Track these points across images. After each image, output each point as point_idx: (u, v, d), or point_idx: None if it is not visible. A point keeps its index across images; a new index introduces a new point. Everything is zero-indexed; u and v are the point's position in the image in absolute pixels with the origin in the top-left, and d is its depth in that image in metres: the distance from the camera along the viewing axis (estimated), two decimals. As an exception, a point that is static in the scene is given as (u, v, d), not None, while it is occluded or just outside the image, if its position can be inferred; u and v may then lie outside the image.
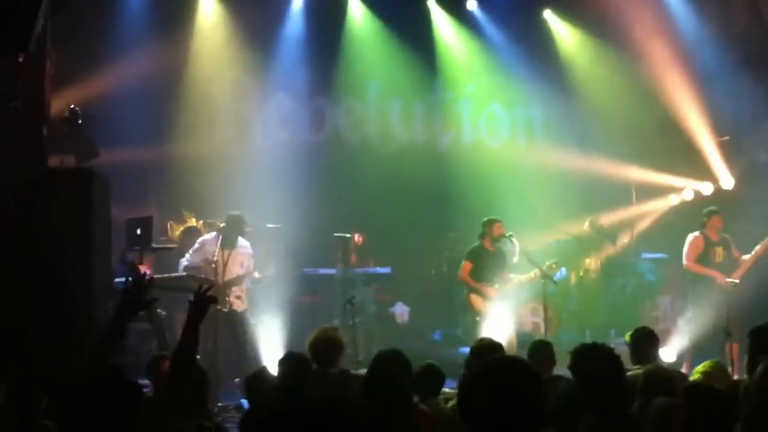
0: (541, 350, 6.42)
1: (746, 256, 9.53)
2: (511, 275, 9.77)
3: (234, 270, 8.97)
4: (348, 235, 10.80)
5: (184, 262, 9.09)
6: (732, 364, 8.08)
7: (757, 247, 9.49)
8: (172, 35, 11.33)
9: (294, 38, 12.34)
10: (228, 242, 8.96)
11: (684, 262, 9.75)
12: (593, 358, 4.29)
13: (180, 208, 10.50)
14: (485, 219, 10.06)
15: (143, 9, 11.05)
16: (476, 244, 9.95)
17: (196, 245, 9.02)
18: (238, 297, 9.07)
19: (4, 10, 6.39)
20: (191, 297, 4.20)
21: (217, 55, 11.76)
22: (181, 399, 4.08)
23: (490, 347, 6.03)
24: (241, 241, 9.10)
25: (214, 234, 9.11)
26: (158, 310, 8.54)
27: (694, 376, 5.48)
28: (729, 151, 12.38)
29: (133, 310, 4.40)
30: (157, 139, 10.96)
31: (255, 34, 11.79)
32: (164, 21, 11.25)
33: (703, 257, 9.59)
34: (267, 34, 12.04)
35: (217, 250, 8.87)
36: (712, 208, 9.93)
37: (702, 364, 5.60)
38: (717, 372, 5.41)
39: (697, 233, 9.70)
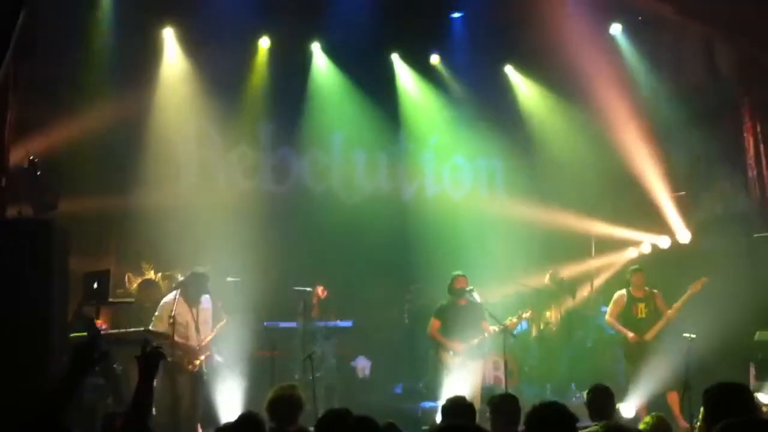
0: (506, 404, 6.36)
1: (669, 311, 9.81)
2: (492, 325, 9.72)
3: (203, 330, 8.89)
4: (309, 289, 10.74)
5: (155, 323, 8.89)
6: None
7: (675, 306, 9.80)
8: (136, 84, 11.31)
9: (258, 89, 12.40)
10: (193, 301, 8.85)
11: (606, 317, 10.21)
12: (548, 418, 4.28)
13: (139, 260, 10.38)
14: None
15: (108, 57, 11.02)
16: (445, 300, 9.95)
17: (158, 312, 8.83)
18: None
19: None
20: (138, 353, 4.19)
21: (181, 105, 11.76)
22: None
23: (461, 406, 6.00)
24: (203, 299, 9.00)
25: (172, 295, 8.92)
26: (114, 365, 8.40)
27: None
28: (686, 205, 12.59)
29: (85, 368, 4.35)
30: (119, 189, 10.91)
31: (219, 84, 11.80)
32: (129, 69, 11.23)
33: (626, 313, 9.93)
34: (231, 84, 12.07)
35: (184, 310, 8.76)
36: (635, 266, 10.36)
37: (645, 420, 5.67)
38: (660, 426, 5.47)
39: (622, 291, 10.08)
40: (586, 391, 6.39)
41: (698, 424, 5.33)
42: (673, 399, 9.31)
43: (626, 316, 9.93)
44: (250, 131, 12.54)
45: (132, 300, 9.57)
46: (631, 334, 9.78)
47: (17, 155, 8.78)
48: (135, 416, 4.15)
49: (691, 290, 9.77)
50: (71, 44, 10.78)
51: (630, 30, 13.13)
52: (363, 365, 12.04)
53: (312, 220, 12.46)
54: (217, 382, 8.86)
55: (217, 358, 9.23)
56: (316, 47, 12.90)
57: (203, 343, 8.79)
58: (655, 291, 10.02)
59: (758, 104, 12.11)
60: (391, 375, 12.19)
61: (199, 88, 11.80)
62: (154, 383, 8.88)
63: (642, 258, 12.43)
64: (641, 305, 9.91)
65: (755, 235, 11.29)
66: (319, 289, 10.89)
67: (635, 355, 9.71)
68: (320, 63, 12.97)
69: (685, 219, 12.52)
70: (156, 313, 8.74)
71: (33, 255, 6.91)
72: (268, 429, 5.74)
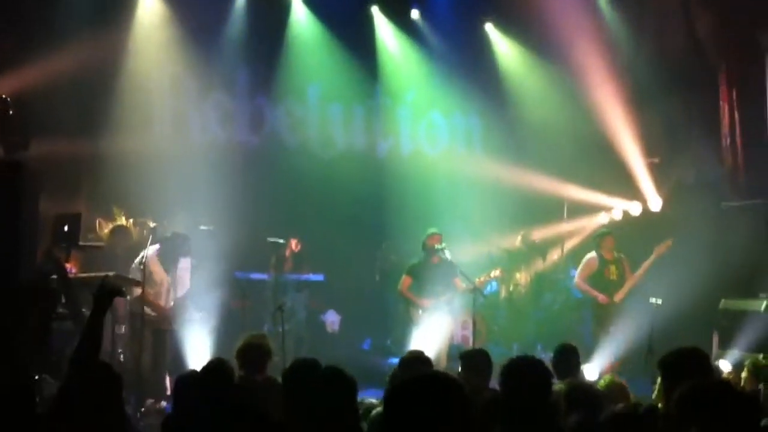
0: (478, 359, 6.39)
1: (636, 273, 9.99)
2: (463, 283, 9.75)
3: (179, 291, 8.92)
4: (282, 241, 10.69)
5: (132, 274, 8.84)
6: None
7: (640, 269, 9.98)
8: (110, 27, 11.09)
9: (235, 37, 12.19)
10: (170, 263, 8.85)
11: (575, 280, 10.27)
12: (526, 371, 4.32)
13: (111, 205, 10.27)
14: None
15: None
16: (418, 258, 9.96)
17: (138, 260, 8.77)
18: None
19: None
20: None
21: (156, 50, 11.55)
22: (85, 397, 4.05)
23: (419, 360, 6.06)
24: (181, 260, 8.99)
25: (154, 251, 8.90)
26: (83, 310, 8.33)
27: None
28: (658, 173, 12.67)
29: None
30: (91, 133, 10.74)
31: (196, 30, 11.62)
32: (104, 12, 11.01)
33: (598, 276, 10.04)
34: (208, 32, 11.87)
35: (158, 269, 8.77)
36: (604, 230, 10.58)
37: (602, 380, 5.76)
38: (616, 389, 5.56)
39: (593, 253, 10.17)
40: (553, 351, 6.47)
41: (656, 387, 5.45)
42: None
43: (598, 278, 10.02)
44: (225, 79, 12.36)
45: (102, 244, 9.48)
46: (602, 296, 9.90)
47: (-13, 95, 8.60)
48: (83, 347, 4.33)
49: (657, 252, 9.93)
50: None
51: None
52: (332, 319, 12.09)
53: (286, 172, 12.36)
54: (187, 332, 8.84)
55: (195, 315, 9.21)
56: (295, -5, 12.73)
57: (168, 307, 8.81)
58: (623, 255, 10.13)
59: (735, 73, 12.17)
60: (360, 330, 12.28)
61: (175, 33, 11.60)
62: (122, 330, 8.93)
63: (612, 223, 12.53)
64: (612, 267, 10.03)
65: (724, 204, 11.39)
66: (293, 242, 10.86)
67: (604, 318, 9.83)
68: (299, 12, 12.77)
69: (657, 186, 12.60)
70: (137, 261, 8.71)
71: (2, 195, 6.79)
72: (236, 377, 5.77)
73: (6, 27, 9.44)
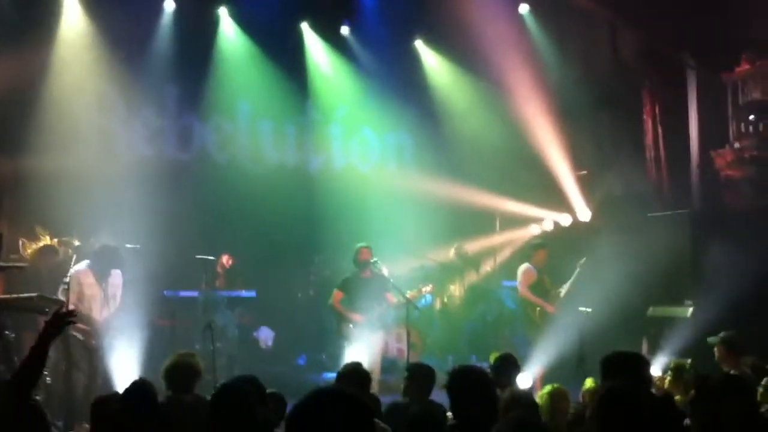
0: (422, 371, 6.36)
1: (561, 290, 10.07)
2: (395, 297, 9.74)
3: (111, 304, 8.69)
4: (211, 258, 10.54)
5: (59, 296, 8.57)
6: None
7: (566, 285, 10.08)
8: (34, 43, 10.78)
9: (162, 53, 11.98)
10: (102, 275, 8.64)
11: (519, 289, 10.21)
12: (470, 379, 4.40)
13: (34, 225, 9.96)
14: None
15: (5, 14, 10.50)
16: (350, 272, 9.94)
17: (67, 279, 8.52)
18: None
19: None
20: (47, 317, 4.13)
21: (81, 66, 11.25)
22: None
23: (357, 372, 6.02)
24: (113, 272, 8.77)
25: (84, 265, 8.68)
26: (6, 332, 8.07)
27: (540, 399, 5.66)
28: (587, 185, 12.91)
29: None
30: (13, 151, 10.43)
31: (122, 46, 11.37)
32: (27, 27, 10.71)
33: (538, 285, 10.09)
34: (134, 47, 11.64)
35: (90, 282, 8.54)
36: (539, 242, 10.63)
37: (545, 388, 5.82)
38: (558, 395, 5.62)
39: (527, 264, 10.19)
40: (494, 358, 6.48)
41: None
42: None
43: (538, 288, 10.06)
44: (153, 96, 12.16)
45: (25, 264, 9.19)
46: (550, 307, 9.92)
47: None
48: (25, 378, 4.16)
49: (579, 269, 10.06)
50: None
51: (538, 12, 13.32)
52: (266, 336, 11.95)
53: (216, 189, 12.21)
54: (115, 352, 8.62)
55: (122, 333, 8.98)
56: (223, 12, 12.59)
57: (101, 320, 8.58)
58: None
59: (657, 89, 12.52)
60: (295, 346, 12.18)
61: (101, 50, 11.33)
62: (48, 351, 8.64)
63: (544, 234, 12.69)
64: (546, 277, 10.12)
65: (650, 215, 11.66)
66: (225, 258, 10.70)
67: (540, 326, 9.85)
68: (227, 29, 12.67)
69: (586, 198, 12.84)
70: (64, 282, 8.45)
71: None
72: (164, 397, 5.63)
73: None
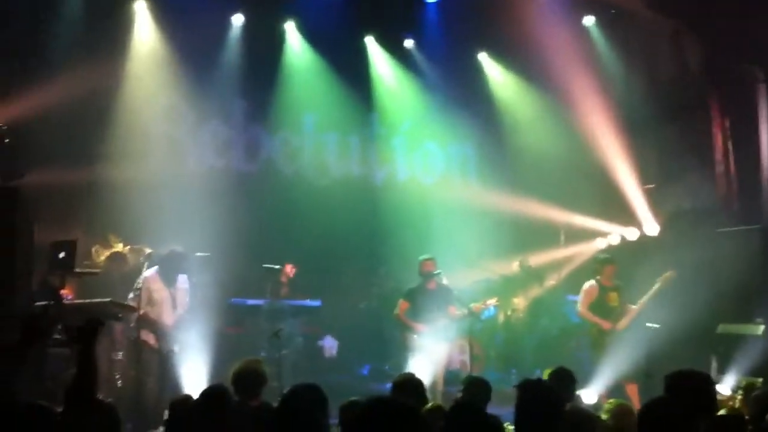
0: (477, 384, 6.37)
1: (633, 306, 9.77)
2: (459, 310, 9.71)
3: (177, 309, 8.89)
4: (277, 267, 10.68)
5: (130, 301, 8.80)
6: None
7: (643, 298, 9.77)
8: (106, 56, 11.10)
9: (231, 66, 12.25)
10: (170, 280, 8.85)
11: (578, 309, 10.01)
12: (538, 393, 4.39)
13: (107, 232, 10.25)
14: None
15: (79, 28, 10.82)
16: (415, 283, 9.96)
17: (138, 285, 8.77)
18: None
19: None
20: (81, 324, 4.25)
21: (152, 79, 11.59)
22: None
23: (410, 382, 6.04)
24: (180, 278, 8.97)
25: (153, 270, 8.90)
26: (79, 336, 8.29)
27: (604, 415, 5.59)
28: (654, 198, 12.72)
29: (35, 338, 4.46)
30: (87, 161, 10.73)
31: (192, 59, 11.65)
32: (100, 41, 11.01)
33: (599, 303, 9.84)
34: (204, 61, 11.92)
35: (159, 287, 8.76)
36: (605, 256, 10.28)
37: (608, 403, 5.74)
38: (622, 411, 5.54)
39: (592, 281, 9.98)
40: (548, 374, 6.42)
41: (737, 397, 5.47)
42: (632, 390, 9.34)
43: (600, 305, 9.82)
44: (222, 108, 12.42)
45: (98, 271, 9.45)
46: (606, 324, 9.69)
47: (-16, 124, 8.64)
48: (79, 381, 4.32)
49: (659, 285, 9.72)
50: (41, 14, 10.60)
51: (603, 23, 13.22)
52: (330, 345, 12.05)
53: (282, 200, 12.39)
54: (184, 357, 8.79)
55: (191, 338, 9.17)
56: (290, 26, 12.80)
57: (170, 324, 8.76)
58: (620, 283, 10.02)
59: (726, 100, 12.28)
60: (358, 356, 12.24)
61: (171, 62, 11.64)
62: (119, 356, 8.86)
63: (610, 249, 12.54)
64: (613, 294, 9.85)
65: (719, 230, 11.44)
66: (288, 268, 10.83)
67: (603, 344, 9.65)
68: (294, 42, 12.87)
69: (654, 211, 12.65)
70: (136, 288, 8.67)
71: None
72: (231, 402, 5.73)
73: (3, 57, 9.47)
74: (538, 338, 12.07)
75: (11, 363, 4.24)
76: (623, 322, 9.73)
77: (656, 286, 9.74)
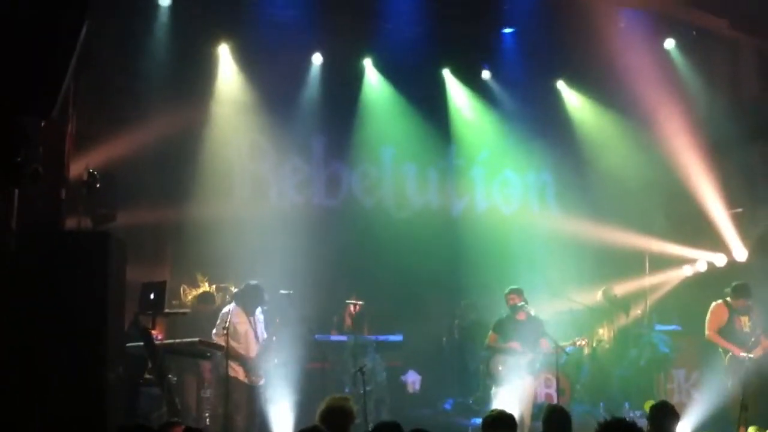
0: (556, 415, 6.28)
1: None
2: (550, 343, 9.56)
3: (260, 342, 9.03)
4: (361, 302, 10.77)
5: (214, 337, 9.00)
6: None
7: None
8: (191, 96, 11.45)
9: (311, 102, 12.46)
10: (250, 311, 9.01)
11: (706, 332, 9.51)
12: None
13: (194, 271, 10.51)
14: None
15: (164, 70, 11.11)
16: (504, 314, 9.90)
17: (218, 320, 8.97)
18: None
19: (31, 74, 6.45)
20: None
21: (234, 118, 11.89)
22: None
23: (501, 418, 5.97)
24: (259, 313, 9.13)
25: (232, 305, 9.07)
26: (169, 375, 8.50)
27: None
28: (742, 223, 12.38)
29: None
30: (174, 201, 11.05)
31: (273, 99, 11.92)
32: (184, 82, 11.35)
33: (728, 327, 9.39)
34: (284, 99, 12.18)
35: (242, 320, 8.90)
36: (744, 288, 9.58)
37: None
38: None
39: (719, 301, 9.53)
40: (650, 405, 6.28)
41: None
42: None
43: (729, 330, 9.33)
44: (302, 145, 12.64)
45: (187, 311, 9.68)
46: (737, 350, 9.20)
47: (76, 168, 8.94)
48: None
49: None
50: (129, 57, 10.99)
51: (684, 45, 13.01)
52: (413, 380, 12.03)
53: (363, 233, 12.48)
54: (271, 395, 8.90)
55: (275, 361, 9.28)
56: (367, 63, 12.96)
57: (254, 356, 8.89)
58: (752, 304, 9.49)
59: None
60: (441, 390, 12.16)
61: (253, 102, 11.91)
62: (207, 394, 9.02)
63: (697, 276, 12.24)
64: (744, 318, 9.40)
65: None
66: (351, 306, 10.91)
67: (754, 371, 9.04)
68: (371, 78, 13.01)
69: (742, 236, 12.31)
70: (218, 322, 8.85)
71: (90, 266, 7.02)
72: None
73: (92, 100, 9.82)
74: (626, 370, 11.80)
75: None
76: (758, 351, 9.22)
77: None
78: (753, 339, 9.25)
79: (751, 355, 9.16)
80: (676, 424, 6.32)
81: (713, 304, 9.60)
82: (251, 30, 11.58)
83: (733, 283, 9.70)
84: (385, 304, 11.41)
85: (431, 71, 13.25)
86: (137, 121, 10.72)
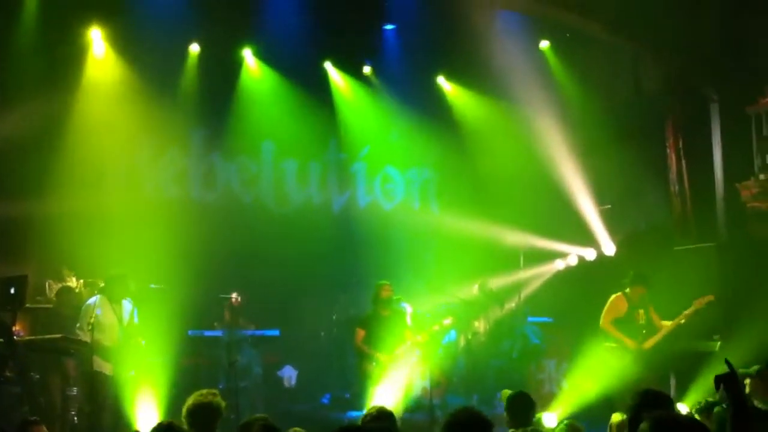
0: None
1: (666, 322, 9.53)
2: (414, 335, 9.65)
3: (125, 333, 8.68)
4: (234, 295, 10.60)
5: (78, 332, 8.60)
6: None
7: (676, 319, 9.49)
8: (60, 85, 10.99)
9: (188, 93, 12.16)
10: (116, 302, 8.66)
11: (601, 321, 9.53)
12: (466, 422, 4.32)
13: (61, 266, 10.07)
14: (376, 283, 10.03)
15: (31, 57, 10.63)
16: (369, 310, 9.91)
17: (82, 314, 8.59)
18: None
19: None
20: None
21: (107, 108, 11.40)
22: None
23: (383, 414, 5.95)
24: (126, 303, 8.78)
25: (96, 297, 8.70)
26: (31, 373, 8.15)
27: None
28: (611, 219, 12.84)
29: None
30: (40, 192, 10.54)
31: (148, 88, 11.53)
32: (52, 70, 10.88)
33: (625, 318, 9.49)
34: (160, 89, 11.79)
35: (107, 310, 8.57)
36: (642, 276, 9.68)
37: (558, 425, 5.74)
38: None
39: (619, 293, 9.61)
40: (506, 397, 6.40)
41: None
42: None
43: (627, 322, 9.40)
44: (179, 137, 12.32)
45: (49, 306, 9.29)
46: (632, 343, 9.32)
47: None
48: None
49: (695, 306, 9.40)
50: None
51: (559, 46, 13.37)
52: (289, 374, 11.96)
53: (241, 228, 12.29)
54: (141, 390, 8.62)
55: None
56: (247, 53, 12.75)
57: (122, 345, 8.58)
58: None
59: (680, 122, 12.45)
60: (319, 384, 12.13)
61: (127, 91, 11.50)
62: (74, 392, 8.70)
63: (569, 269, 12.62)
64: (641, 311, 9.47)
65: (676, 248, 11.56)
66: (233, 297, 10.75)
67: (640, 363, 9.27)
68: (251, 69, 12.82)
69: (611, 231, 12.76)
70: (80, 318, 8.50)
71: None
72: (186, 437, 5.63)
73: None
74: (500, 361, 12.06)
75: None
76: (651, 341, 9.38)
77: (691, 308, 9.41)
78: (644, 331, 9.46)
79: (641, 347, 9.38)
80: (533, 412, 6.46)
81: (613, 296, 9.59)
82: (125, 15, 11.23)
83: (630, 272, 9.74)
84: (264, 300, 11.25)
85: (313, 63, 13.17)
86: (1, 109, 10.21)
